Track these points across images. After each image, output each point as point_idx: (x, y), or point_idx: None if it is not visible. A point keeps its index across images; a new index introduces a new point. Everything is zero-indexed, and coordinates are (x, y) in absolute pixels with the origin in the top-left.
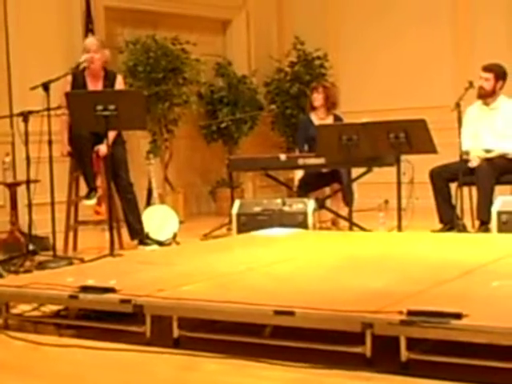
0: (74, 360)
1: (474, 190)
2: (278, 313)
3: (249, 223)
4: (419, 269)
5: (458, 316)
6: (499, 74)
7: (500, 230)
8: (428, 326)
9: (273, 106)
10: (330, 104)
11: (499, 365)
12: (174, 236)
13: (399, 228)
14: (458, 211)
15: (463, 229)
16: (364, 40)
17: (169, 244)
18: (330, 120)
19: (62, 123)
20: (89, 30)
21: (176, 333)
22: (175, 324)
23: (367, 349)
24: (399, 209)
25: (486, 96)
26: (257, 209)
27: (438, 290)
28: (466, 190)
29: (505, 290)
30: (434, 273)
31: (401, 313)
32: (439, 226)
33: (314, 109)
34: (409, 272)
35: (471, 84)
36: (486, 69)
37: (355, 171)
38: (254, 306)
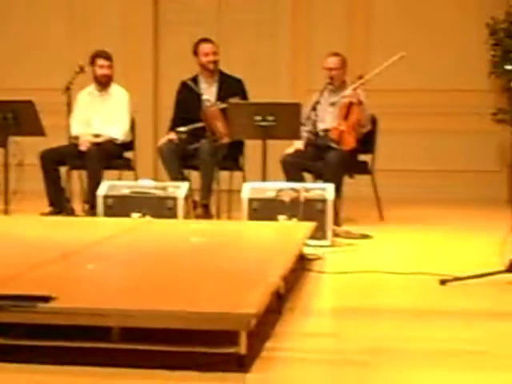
0: None
1: (85, 174)
2: None
3: None
4: (17, 253)
5: (46, 299)
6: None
7: (106, 214)
8: (16, 311)
9: None
10: None
11: (85, 345)
12: None
13: (6, 211)
14: (68, 194)
15: (72, 212)
16: None
17: None
18: None
19: None
20: None
21: None
22: None
23: None
24: (6, 192)
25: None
26: None
27: (32, 274)
28: (75, 173)
29: (97, 271)
30: (33, 257)
31: None
32: (49, 209)
33: None
34: (4, 256)
35: (82, 69)
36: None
37: None
38: None
